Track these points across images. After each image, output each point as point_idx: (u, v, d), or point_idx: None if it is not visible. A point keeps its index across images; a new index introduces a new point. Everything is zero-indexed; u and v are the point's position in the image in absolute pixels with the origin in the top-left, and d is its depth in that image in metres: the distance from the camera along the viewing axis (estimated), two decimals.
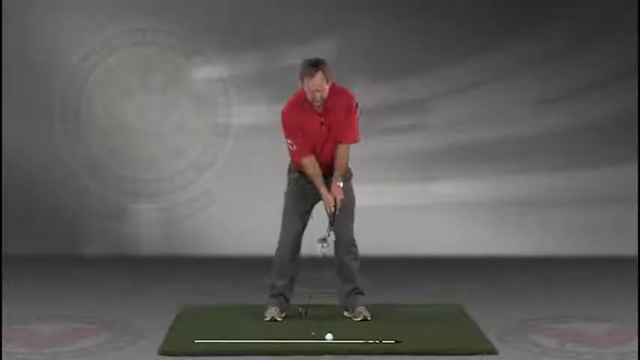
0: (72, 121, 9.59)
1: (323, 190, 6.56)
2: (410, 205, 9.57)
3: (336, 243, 6.68)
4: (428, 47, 9.61)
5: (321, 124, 6.53)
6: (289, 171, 6.74)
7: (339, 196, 6.58)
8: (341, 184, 6.58)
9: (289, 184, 6.75)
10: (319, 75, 6.41)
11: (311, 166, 6.58)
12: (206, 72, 9.59)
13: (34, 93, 9.54)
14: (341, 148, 6.59)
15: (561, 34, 9.59)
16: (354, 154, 8.97)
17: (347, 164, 6.63)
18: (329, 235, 6.56)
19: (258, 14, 9.55)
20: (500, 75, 9.62)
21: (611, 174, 9.57)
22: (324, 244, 6.54)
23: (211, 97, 9.57)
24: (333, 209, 6.56)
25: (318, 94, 6.43)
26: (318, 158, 6.60)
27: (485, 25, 9.60)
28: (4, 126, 9.48)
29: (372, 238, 8.75)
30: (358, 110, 6.61)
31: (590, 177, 9.59)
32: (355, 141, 6.62)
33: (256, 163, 9.36)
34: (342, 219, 6.65)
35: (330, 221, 6.59)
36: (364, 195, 9.07)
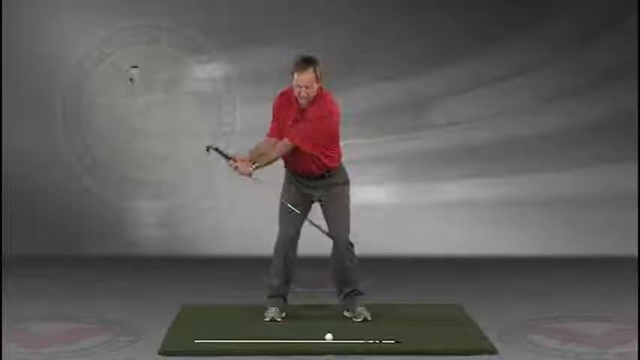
0: (73, 121, 9.58)
1: (243, 158, 6.53)
2: (410, 205, 9.56)
3: (333, 246, 6.68)
4: (428, 47, 9.61)
5: (296, 120, 6.53)
6: (285, 173, 6.77)
7: (242, 171, 6.50)
8: (252, 168, 6.49)
9: (284, 186, 6.77)
10: (309, 72, 6.42)
11: (263, 142, 6.61)
12: (210, 71, 9.58)
13: (35, 93, 9.53)
14: (280, 143, 6.54)
15: (562, 34, 9.59)
16: (356, 155, 8.99)
17: (274, 160, 6.53)
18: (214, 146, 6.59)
19: (262, 13, 9.54)
20: (500, 75, 9.61)
21: (611, 174, 9.57)
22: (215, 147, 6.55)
23: (215, 97, 9.56)
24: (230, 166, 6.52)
25: (304, 91, 6.44)
26: (291, 157, 6.60)
27: (485, 26, 9.60)
28: (4, 126, 9.48)
29: (372, 238, 8.78)
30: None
31: (590, 177, 9.59)
32: (299, 143, 6.47)
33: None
34: (336, 222, 6.65)
35: (226, 156, 6.54)
36: (365, 195, 9.11)
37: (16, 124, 9.51)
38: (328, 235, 6.62)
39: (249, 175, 6.53)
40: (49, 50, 9.51)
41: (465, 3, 9.59)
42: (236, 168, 6.54)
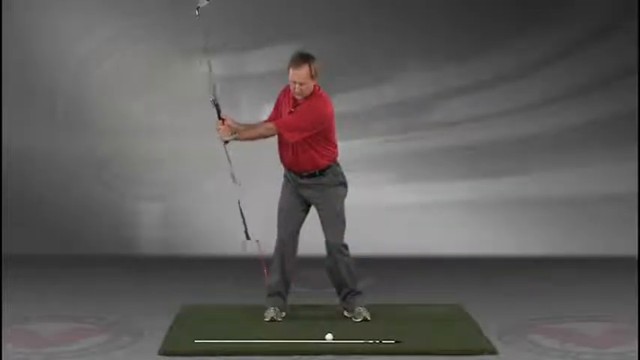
0: (73, 121, 9.58)
1: (230, 123, 6.57)
2: (410, 204, 9.57)
3: (326, 250, 6.68)
4: (428, 48, 9.61)
5: (290, 112, 6.57)
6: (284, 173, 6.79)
7: (220, 136, 6.55)
8: (231, 137, 6.55)
9: (282, 186, 6.79)
10: (304, 68, 6.45)
11: (261, 123, 6.66)
12: (214, 71, 9.54)
13: (36, 92, 9.54)
14: (265, 123, 6.62)
15: (562, 35, 9.60)
16: (358, 154, 9.00)
17: (254, 137, 6.60)
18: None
19: (265, 14, 9.54)
20: (501, 76, 9.62)
21: (611, 174, 9.58)
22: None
23: (218, 97, 9.54)
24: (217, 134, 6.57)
25: (297, 87, 6.46)
26: (284, 152, 6.64)
27: (486, 26, 9.60)
28: (4, 126, 9.48)
29: (372, 238, 8.79)
30: None
31: (590, 177, 9.60)
32: (281, 130, 6.52)
33: (259, 164, 9.34)
34: (329, 226, 6.65)
35: (219, 114, 6.57)
36: (365, 195, 9.10)
37: (16, 124, 9.52)
38: (247, 236, 6.68)
39: (225, 142, 6.59)
40: (50, 49, 9.52)
41: (465, 4, 9.60)
42: (218, 130, 6.58)
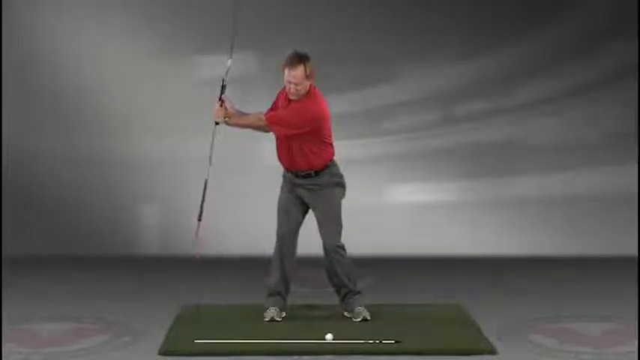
0: (73, 121, 9.58)
1: (227, 107, 6.61)
2: (410, 204, 9.57)
3: (323, 250, 6.68)
4: (429, 48, 9.61)
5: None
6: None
7: (213, 115, 6.60)
8: (222, 120, 6.59)
9: (281, 184, 6.79)
10: (300, 68, 6.45)
11: (254, 113, 6.67)
12: (210, 71, 9.56)
13: (35, 92, 9.53)
14: (257, 114, 6.64)
15: (561, 35, 9.60)
16: (355, 155, 8.98)
17: (244, 125, 6.65)
18: None
19: (266, 14, 9.54)
20: (501, 76, 9.62)
21: (611, 174, 9.58)
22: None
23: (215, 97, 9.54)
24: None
25: (292, 87, 6.47)
26: (280, 151, 6.65)
27: (486, 27, 9.60)
28: (4, 125, 9.48)
29: (372, 238, 8.78)
30: None
31: (590, 177, 9.59)
32: (269, 123, 6.56)
33: (258, 164, 9.35)
34: (324, 227, 6.64)
35: (221, 95, 6.63)
36: (365, 195, 9.09)
37: (16, 124, 9.51)
38: (199, 216, 6.78)
39: (216, 123, 6.62)
40: (50, 49, 9.51)
41: (465, 4, 9.59)
42: (214, 109, 6.62)
